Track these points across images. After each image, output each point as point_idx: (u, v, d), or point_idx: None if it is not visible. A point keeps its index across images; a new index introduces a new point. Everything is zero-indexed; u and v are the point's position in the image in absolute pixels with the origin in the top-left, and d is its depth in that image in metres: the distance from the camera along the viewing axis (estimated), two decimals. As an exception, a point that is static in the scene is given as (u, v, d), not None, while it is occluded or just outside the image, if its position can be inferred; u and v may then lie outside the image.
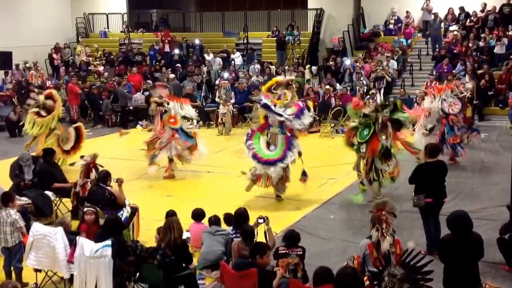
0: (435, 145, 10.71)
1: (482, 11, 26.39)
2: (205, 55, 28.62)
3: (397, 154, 13.01)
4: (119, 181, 10.45)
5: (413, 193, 9.80)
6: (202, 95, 24.69)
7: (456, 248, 6.90)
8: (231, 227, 9.34)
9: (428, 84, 22.74)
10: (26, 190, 11.71)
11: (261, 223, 8.58)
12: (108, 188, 10.37)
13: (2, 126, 22.22)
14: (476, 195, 12.87)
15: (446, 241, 7.12)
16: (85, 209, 9.66)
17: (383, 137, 12.55)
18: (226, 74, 24.59)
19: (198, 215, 9.99)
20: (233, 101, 22.05)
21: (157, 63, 28.72)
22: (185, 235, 9.18)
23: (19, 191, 11.54)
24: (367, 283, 6.61)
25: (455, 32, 25.83)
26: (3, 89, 26.79)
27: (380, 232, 7.18)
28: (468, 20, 26.48)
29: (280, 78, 14.46)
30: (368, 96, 22.03)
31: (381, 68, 23.82)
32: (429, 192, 9.60)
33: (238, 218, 9.14)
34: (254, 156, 12.82)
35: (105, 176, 10.51)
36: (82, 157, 11.82)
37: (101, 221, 9.37)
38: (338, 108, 21.36)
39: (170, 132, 14.83)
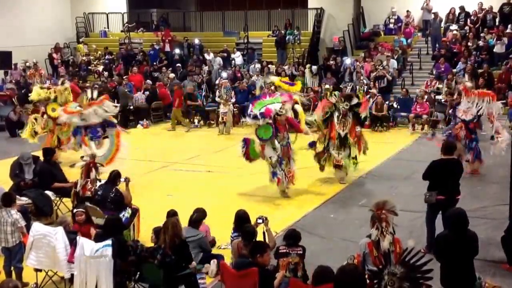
0: (451, 142, 10.64)
1: (480, 9, 26.38)
2: (206, 54, 28.65)
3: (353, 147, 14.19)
4: (127, 180, 10.50)
5: (426, 189, 9.79)
6: (203, 94, 24.73)
7: (455, 246, 6.93)
8: (234, 228, 9.31)
9: (428, 84, 22.84)
10: (26, 190, 11.72)
11: (260, 223, 8.59)
12: (116, 187, 10.43)
13: (2, 126, 22.21)
14: (475, 194, 12.87)
15: (445, 239, 7.14)
16: (75, 210, 9.73)
17: (341, 126, 13.94)
18: (224, 74, 24.61)
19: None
20: (233, 100, 22.08)
21: (155, 63, 28.73)
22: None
23: (19, 190, 11.56)
24: (367, 281, 6.63)
25: (455, 32, 25.85)
26: (3, 89, 26.78)
27: (380, 231, 7.19)
28: (469, 20, 26.48)
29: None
30: (368, 96, 22.08)
31: (382, 67, 23.84)
32: (442, 189, 9.56)
33: (238, 220, 9.14)
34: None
35: (116, 176, 10.56)
36: (82, 157, 11.83)
37: (101, 221, 9.40)
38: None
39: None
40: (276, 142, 13.06)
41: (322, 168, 14.48)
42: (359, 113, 14.28)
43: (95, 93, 15.20)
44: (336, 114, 14.11)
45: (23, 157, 12.43)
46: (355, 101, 14.28)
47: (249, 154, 13.38)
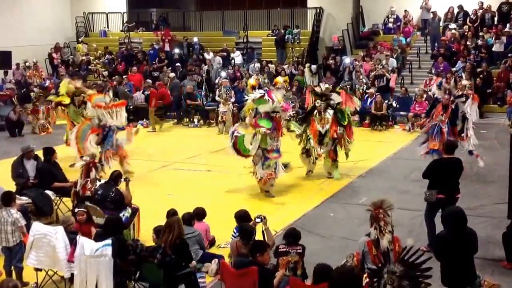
0: (452, 141, 10.65)
1: (480, 9, 26.44)
2: (205, 54, 28.68)
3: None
4: (127, 180, 10.51)
5: (426, 188, 9.80)
6: (203, 94, 24.75)
7: (455, 245, 6.96)
8: (236, 228, 9.29)
9: (427, 83, 22.86)
10: (27, 189, 11.73)
11: (259, 222, 8.61)
12: (117, 187, 10.44)
13: (2, 125, 22.17)
14: (474, 193, 12.88)
15: (445, 238, 7.16)
16: (76, 210, 9.76)
17: (319, 123, 14.28)
18: (224, 73, 24.64)
19: (199, 214, 10.03)
20: (233, 99, 22.11)
21: (155, 63, 28.73)
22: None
23: (20, 190, 11.56)
24: (366, 280, 6.66)
25: (453, 31, 25.90)
26: (3, 88, 26.78)
27: (378, 230, 7.22)
28: (468, 19, 26.51)
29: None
30: (366, 95, 22.14)
31: (381, 66, 23.86)
32: (442, 188, 9.56)
33: (239, 220, 9.16)
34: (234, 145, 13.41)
35: (117, 177, 10.58)
36: (81, 157, 11.85)
37: (101, 221, 9.42)
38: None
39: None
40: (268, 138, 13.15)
41: (309, 172, 14.85)
42: (341, 111, 14.49)
43: (111, 93, 15.49)
44: (315, 111, 14.45)
45: (24, 148, 12.44)
46: (336, 98, 14.53)
47: (237, 144, 13.44)
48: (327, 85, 15.74)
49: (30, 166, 12.33)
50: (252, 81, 21.20)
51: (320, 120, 14.33)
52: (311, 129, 14.47)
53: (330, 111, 14.36)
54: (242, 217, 9.16)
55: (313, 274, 6.60)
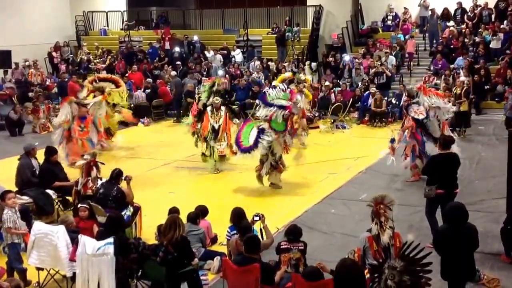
0: (448, 136, 10.69)
1: (477, 6, 26.48)
2: (206, 52, 28.71)
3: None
4: (128, 179, 10.54)
5: (426, 184, 9.83)
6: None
7: (453, 239, 7.01)
8: (230, 227, 9.29)
9: (426, 80, 22.91)
10: (27, 189, 11.74)
11: (257, 220, 8.64)
12: (118, 186, 10.47)
13: (2, 125, 22.18)
14: (473, 188, 12.94)
15: (443, 232, 7.22)
16: (79, 205, 9.79)
17: (214, 118, 14.81)
18: (220, 72, 24.64)
19: (201, 211, 10.05)
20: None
21: (157, 61, 28.75)
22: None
23: (21, 189, 11.54)
24: (367, 276, 6.70)
25: (451, 28, 25.94)
26: (3, 88, 26.78)
27: (379, 225, 7.26)
28: (466, 16, 26.55)
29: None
30: (368, 92, 22.16)
31: (380, 63, 23.89)
32: (441, 183, 9.60)
33: (235, 217, 9.17)
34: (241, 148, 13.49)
35: (118, 175, 10.58)
36: (82, 156, 11.87)
37: (103, 219, 9.44)
38: (338, 103, 21.49)
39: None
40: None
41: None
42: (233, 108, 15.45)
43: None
44: (209, 108, 14.87)
45: (27, 147, 12.41)
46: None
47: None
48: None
49: (35, 165, 12.31)
50: (287, 74, 20.54)
51: (215, 116, 14.80)
52: (203, 125, 14.90)
53: (223, 107, 14.94)
54: (238, 215, 9.17)
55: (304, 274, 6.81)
